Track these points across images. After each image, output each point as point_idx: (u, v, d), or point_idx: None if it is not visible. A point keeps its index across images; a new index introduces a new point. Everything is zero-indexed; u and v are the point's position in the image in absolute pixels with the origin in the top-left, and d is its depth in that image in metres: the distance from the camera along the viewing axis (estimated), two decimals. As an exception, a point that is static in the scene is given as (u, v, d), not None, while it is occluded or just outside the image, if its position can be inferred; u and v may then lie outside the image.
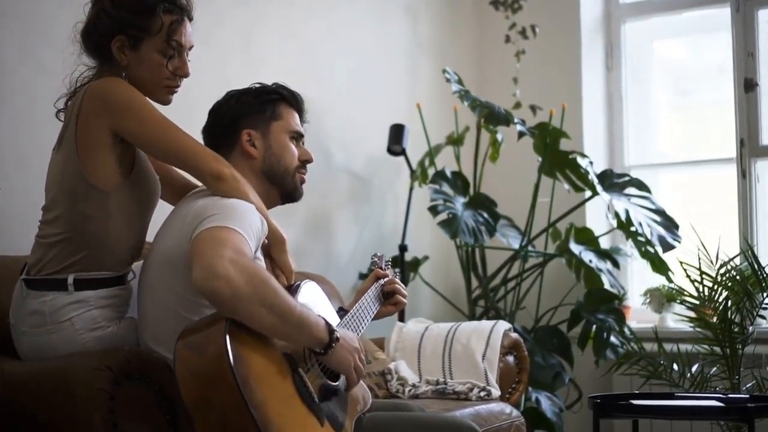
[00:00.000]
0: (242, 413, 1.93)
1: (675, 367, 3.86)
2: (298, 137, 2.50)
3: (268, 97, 2.48)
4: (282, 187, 2.46)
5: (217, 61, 3.64)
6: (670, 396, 3.18)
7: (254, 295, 2.00)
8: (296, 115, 2.51)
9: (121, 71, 2.37)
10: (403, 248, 4.23)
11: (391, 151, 4.27)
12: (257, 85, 2.51)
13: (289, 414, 2.04)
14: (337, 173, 4.33)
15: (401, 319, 3.97)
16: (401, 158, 4.34)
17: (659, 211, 4.14)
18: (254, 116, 2.45)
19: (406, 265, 4.27)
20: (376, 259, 2.75)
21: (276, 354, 2.09)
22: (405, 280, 4.26)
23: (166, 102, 2.43)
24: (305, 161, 2.50)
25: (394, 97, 4.60)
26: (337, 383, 2.24)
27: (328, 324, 2.15)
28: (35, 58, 3.06)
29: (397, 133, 4.24)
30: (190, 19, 2.42)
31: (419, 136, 4.41)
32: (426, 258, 4.52)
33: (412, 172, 4.35)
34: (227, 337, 1.97)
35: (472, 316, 4.34)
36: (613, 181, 4.20)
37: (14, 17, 3.04)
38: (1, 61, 3.03)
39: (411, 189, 4.36)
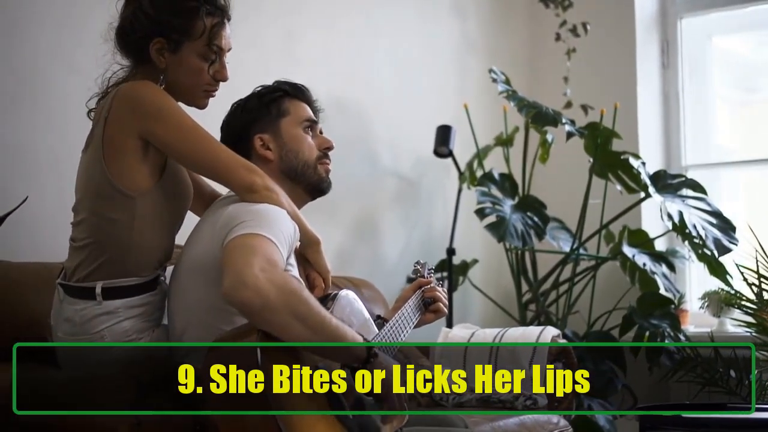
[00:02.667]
0: (270, 427, 1.88)
1: (732, 374, 3.73)
2: (312, 126, 2.44)
3: (270, 96, 2.42)
4: (306, 181, 2.40)
5: (258, 63, 3.59)
6: (722, 407, 3.05)
7: (285, 306, 1.94)
8: (304, 106, 2.45)
9: (158, 74, 2.30)
10: (450, 252, 4.15)
11: (438, 153, 4.19)
12: (259, 89, 2.46)
13: (318, 427, 1.97)
14: (383, 175, 4.27)
15: (449, 324, 3.90)
16: (449, 159, 4.26)
17: (715, 213, 4.00)
18: (262, 119, 2.39)
19: (453, 269, 4.19)
20: (418, 267, 2.69)
21: (308, 367, 2.03)
22: (453, 285, 4.18)
23: (202, 106, 2.38)
24: (326, 149, 2.44)
25: (443, 97, 4.53)
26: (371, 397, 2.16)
27: (366, 341, 2.09)
28: (68, 59, 3.03)
29: (443, 134, 4.16)
30: (229, 20, 2.36)
31: (468, 136, 4.33)
32: (475, 261, 4.43)
33: (461, 173, 4.27)
34: (258, 351, 1.92)
35: (523, 321, 4.24)
36: (666, 182, 4.06)
37: (47, 18, 3.02)
38: (34, 63, 3.00)
39: (459, 191, 4.28)
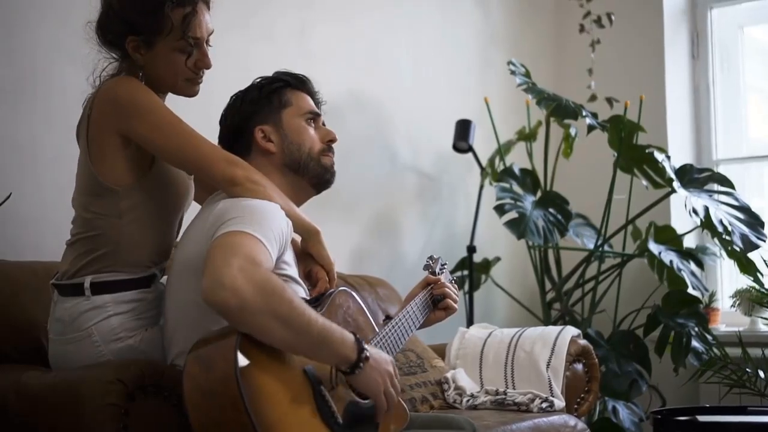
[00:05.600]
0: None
1: (761, 374, 3.60)
2: (314, 118, 2.37)
3: (271, 87, 2.35)
4: (310, 174, 2.33)
5: (271, 57, 3.52)
6: (742, 410, 2.92)
7: (264, 306, 1.86)
8: (307, 97, 2.38)
9: (139, 69, 2.26)
10: (471, 249, 4.05)
11: (457, 148, 4.10)
12: (259, 80, 2.39)
13: None
14: (403, 171, 4.18)
15: (469, 324, 3.80)
16: (471, 155, 4.16)
17: (743, 208, 3.86)
18: (263, 111, 2.33)
19: (475, 267, 4.09)
20: (430, 263, 2.58)
21: (294, 371, 1.95)
22: (475, 284, 4.09)
23: (191, 94, 2.32)
24: (329, 142, 2.36)
25: (464, 91, 4.44)
26: (366, 401, 2.08)
27: (357, 341, 1.99)
28: (68, 53, 2.97)
29: (463, 129, 4.06)
30: (206, 2, 2.29)
31: (490, 131, 4.23)
32: (497, 259, 4.33)
33: (482, 169, 4.17)
34: (237, 352, 1.84)
35: (546, 321, 4.14)
36: (693, 177, 3.94)
37: (47, 11, 2.97)
38: (33, 57, 2.95)
39: (481, 187, 4.18)
